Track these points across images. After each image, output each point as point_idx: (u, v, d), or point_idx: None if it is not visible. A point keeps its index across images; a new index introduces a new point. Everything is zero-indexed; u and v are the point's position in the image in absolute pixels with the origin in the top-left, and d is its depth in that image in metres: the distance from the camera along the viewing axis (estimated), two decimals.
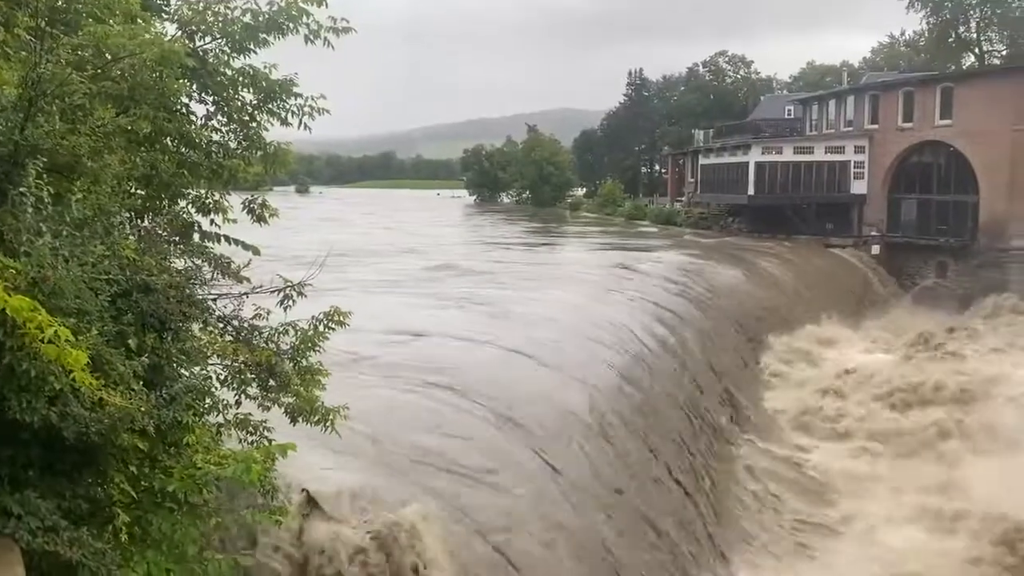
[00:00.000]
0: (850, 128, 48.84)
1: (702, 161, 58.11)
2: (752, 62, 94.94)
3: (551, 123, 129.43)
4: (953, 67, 57.39)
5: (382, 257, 33.59)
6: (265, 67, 7.60)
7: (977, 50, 60.98)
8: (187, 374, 6.66)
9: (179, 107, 7.51)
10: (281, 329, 7.48)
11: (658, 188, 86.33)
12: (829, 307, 36.30)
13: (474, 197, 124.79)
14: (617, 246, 43.68)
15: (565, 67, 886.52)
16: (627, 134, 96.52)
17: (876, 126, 46.61)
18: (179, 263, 7.29)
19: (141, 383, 5.74)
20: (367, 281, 23.70)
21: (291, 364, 7.37)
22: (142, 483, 6.07)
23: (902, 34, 77.24)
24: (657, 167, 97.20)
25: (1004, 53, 59.90)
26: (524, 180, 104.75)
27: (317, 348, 7.56)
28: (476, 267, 30.28)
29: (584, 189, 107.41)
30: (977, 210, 40.84)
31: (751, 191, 47.84)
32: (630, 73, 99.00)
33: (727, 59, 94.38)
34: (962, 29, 61.47)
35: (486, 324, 17.97)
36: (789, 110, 62.74)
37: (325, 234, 41.96)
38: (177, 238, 7.66)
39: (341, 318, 7.60)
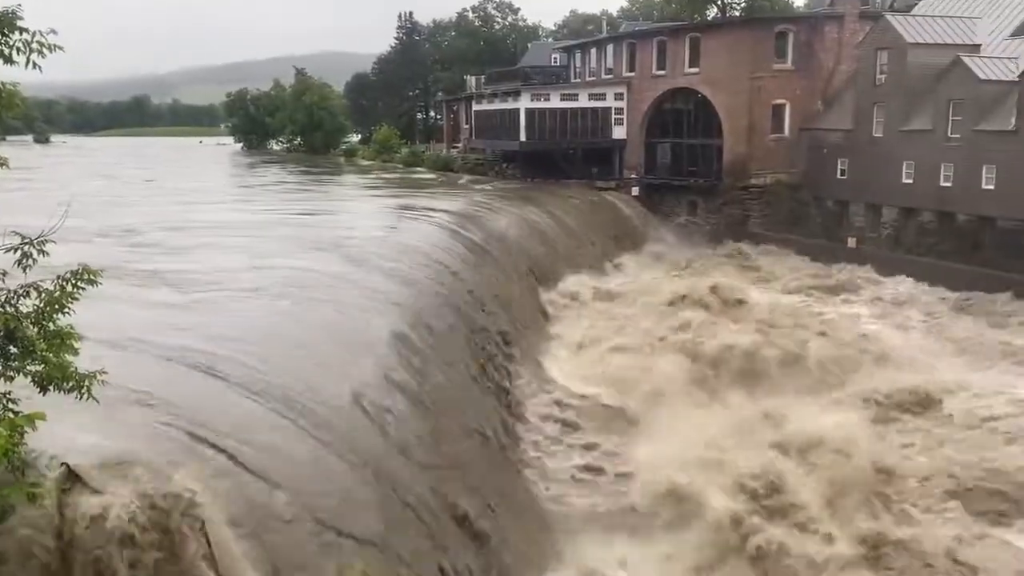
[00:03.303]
0: (610, 76, 51.41)
1: (475, 107, 58.82)
2: (519, 9, 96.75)
3: (321, 67, 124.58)
4: (699, 18, 61.64)
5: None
6: None
7: (720, 2, 65.82)
8: None
9: None
10: (21, 291, 6.80)
11: (435, 134, 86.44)
12: (596, 246, 38.51)
13: (241, 144, 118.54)
14: (405, 196, 43.55)
15: (334, 8, 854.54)
16: (400, 79, 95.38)
17: (633, 74, 49.40)
18: None
19: None
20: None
21: (36, 328, 6.75)
22: None
23: None
24: (432, 113, 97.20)
25: (743, 5, 65.15)
26: (294, 126, 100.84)
27: (66, 310, 6.96)
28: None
29: (359, 135, 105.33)
30: (722, 152, 44.70)
31: (523, 137, 49.23)
32: (400, 16, 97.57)
33: (495, 5, 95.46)
34: None
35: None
36: (555, 58, 64.77)
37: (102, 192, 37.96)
38: None
39: (91, 276, 7.03)
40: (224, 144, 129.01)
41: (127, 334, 12.16)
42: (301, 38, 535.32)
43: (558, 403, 20.08)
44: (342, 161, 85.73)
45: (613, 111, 49.64)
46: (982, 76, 32.71)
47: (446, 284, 21.05)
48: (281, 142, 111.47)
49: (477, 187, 47.49)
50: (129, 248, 21.72)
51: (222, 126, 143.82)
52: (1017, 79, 31.52)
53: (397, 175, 60.89)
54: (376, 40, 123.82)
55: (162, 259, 19.90)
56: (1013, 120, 31.07)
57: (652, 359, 22.21)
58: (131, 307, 14.31)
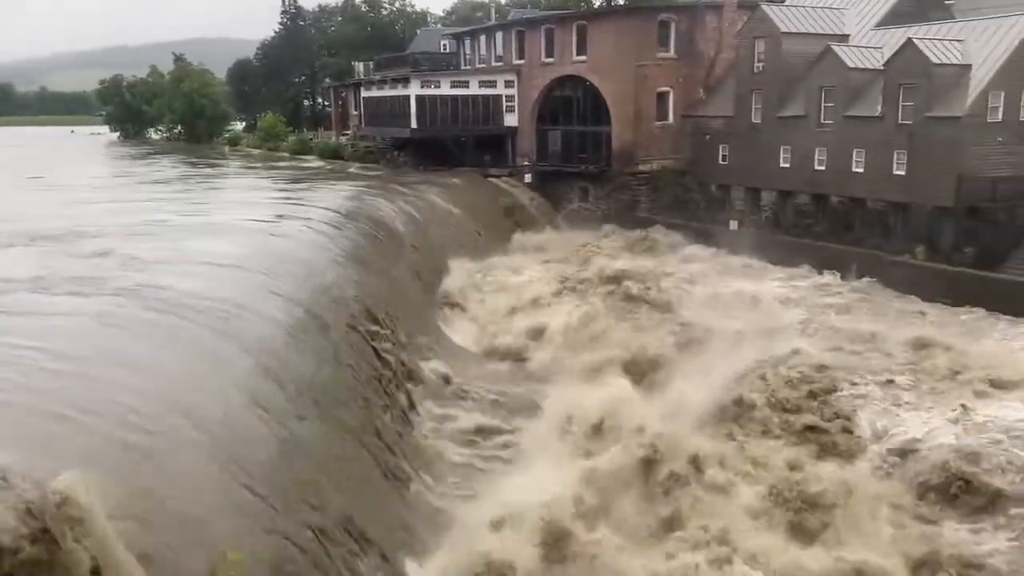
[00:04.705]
0: (500, 63, 51.54)
1: (364, 94, 57.92)
2: None
3: (201, 53, 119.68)
4: (585, 6, 62.55)
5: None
6: None
7: None
8: None
9: None
10: None
11: (323, 121, 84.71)
12: (491, 233, 38.72)
13: (117, 134, 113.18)
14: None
15: None
16: (285, 65, 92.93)
17: (523, 61, 49.68)
18: None
19: None
20: None
21: None
22: None
23: None
24: (320, 100, 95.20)
25: None
26: (174, 114, 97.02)
27: None
28: None
29: (243, 123, 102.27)
30: (610, 139, 45.55)
31: (414, 124, 48.80)
32: (284, 1, 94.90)
33: None
34: None
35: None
36: (444, 44, 64.40)
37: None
38: None
39: None
40: (99, 134, 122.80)
41: None
42: (179, 23, 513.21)
43: None
44: (226, 150, 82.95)
45: (504, 98, 49.82)
46: (851, 64, 34.49)
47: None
48: (160, 131, 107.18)
49: (371, 175, 46.81)
50: (90, 259, 18.32)
51: (96, 115, 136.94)
52: (882, 67, 33.40)
53: (290, 165, 59.00)
54: (258, 26, 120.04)
55: (145, 274, 16.70)
56: (879, 106, 32.92)
57: None
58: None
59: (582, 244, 39.99)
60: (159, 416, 10.09)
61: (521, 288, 31.46)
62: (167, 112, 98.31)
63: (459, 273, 32.09)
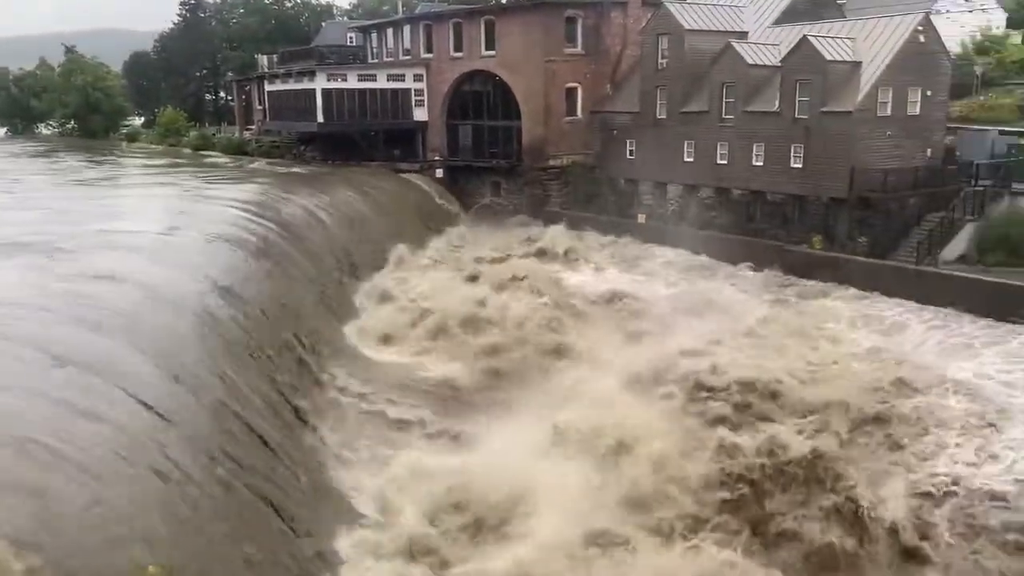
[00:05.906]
0: (408, 57, 51.09)
1: (269, 88, 56.52)
2: None
3: (94, 45, 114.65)
4: (493, 0, 62.50)
5: None
6: None
7: None
8: None
9: None
10: None
11: (226, 116, 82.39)
12: (404, 229, 38.45)
13: (4, 129, 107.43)
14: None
15: None
16: (186, 58, 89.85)
17: (431, 55, 49.37)
18: None
19: None
20: None
21: None
22: None
23: None
24: (223, 94, 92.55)
25: None
26: (66, 108, 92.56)
27: None
28: None
29: (142, 118, 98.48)
30: (521, 134, 45.75)
31: (320, 119, 47.94)
32: None
33: None
34: None
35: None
36: (351, 38, 63.37)
37: None
38: None
39: None
40: None
41: None
42: (72, 13, 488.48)
43: None
44: (123, 146, 79.64)
45: (413, 92, 49.40)
46: (750, 61, 35.56)
47: None
48: (52, 126, 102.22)
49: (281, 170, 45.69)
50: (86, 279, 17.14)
51: None
52: (779, 64, 34.57)
53: (187, 160, 56.91)
54: (157, 16, 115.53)
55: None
56: (777, 102, 34.07)
57: None
58: None
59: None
60: None
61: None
62: (58, 107, 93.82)
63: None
